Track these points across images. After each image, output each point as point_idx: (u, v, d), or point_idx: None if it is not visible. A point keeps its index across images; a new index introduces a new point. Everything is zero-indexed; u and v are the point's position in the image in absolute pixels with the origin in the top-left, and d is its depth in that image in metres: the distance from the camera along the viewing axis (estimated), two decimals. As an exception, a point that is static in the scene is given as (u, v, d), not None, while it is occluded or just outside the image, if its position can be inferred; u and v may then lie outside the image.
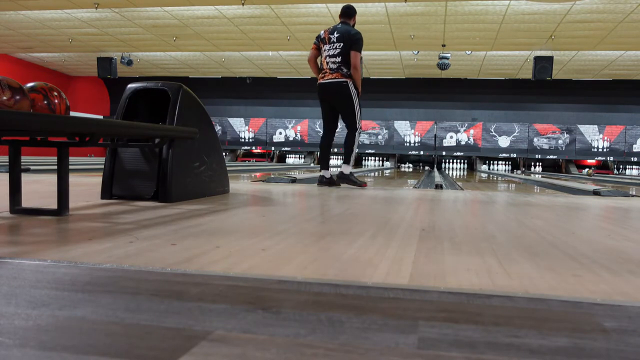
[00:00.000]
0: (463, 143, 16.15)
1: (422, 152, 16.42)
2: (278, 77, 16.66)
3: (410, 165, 16.88)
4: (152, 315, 0.83)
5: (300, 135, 16.92)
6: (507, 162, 16.45)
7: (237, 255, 1.33)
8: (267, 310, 0.87)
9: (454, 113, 16.33)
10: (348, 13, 4.34)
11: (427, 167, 16.12)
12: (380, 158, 16.86)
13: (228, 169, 3.38)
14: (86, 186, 3.38)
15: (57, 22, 11.13)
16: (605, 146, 15.49)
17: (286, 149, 17.20)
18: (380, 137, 16.52)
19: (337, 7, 9.32)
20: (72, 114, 2.18)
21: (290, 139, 17.04)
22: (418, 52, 12.72)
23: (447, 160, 16.80)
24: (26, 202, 2.09)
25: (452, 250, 1.48)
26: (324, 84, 4.28)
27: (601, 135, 15.50)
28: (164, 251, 1.35)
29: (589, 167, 15.30)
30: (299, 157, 17.26)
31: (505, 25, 10.09)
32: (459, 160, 16.75)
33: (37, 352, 0.67)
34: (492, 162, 16.55)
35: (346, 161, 4.30)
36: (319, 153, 4.50)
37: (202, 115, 2.98)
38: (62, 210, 1.96)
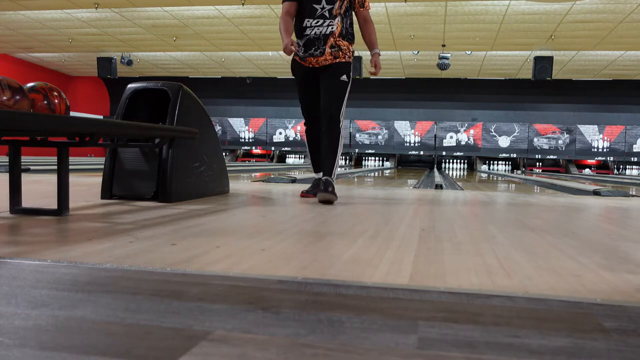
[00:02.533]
0: (463, 143, 16.14)
1: (422, 152, 16.42)
2: (278, 77, 16.66)
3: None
4: (152, 315, 0.83)
5: (300, 136, 16.91)
6: (507, 162, 16.45)
7: (237, 255, 1.33)
8: (267, 310, 0.87)
9: (454, 113, 16.32)
10: None
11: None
12: (380, 158, 16.86)
13: (228, 169, 3.38)
14: (86, 186, 3.38)
15: (57, 22, 11.13)
16: (605, 146, 15.49)
17: (286, 149, 17.20)
18: (380, 137, 16.52)
19: (337, 7, 9.30)
20: (72, 114, 2.18)
21: (290, 139, 17.05)
22: (418, 52, 12.72)
23: (447, 160, 16.80)
24: (26, 202, 2.09)
25: (452, 250, 1.48)
26: None
27: (601, 135, 15.50)
28: (164, 251, 1.35)
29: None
30: (299, 157, 17.25)
31: (505, 25, 10.09)
32: (459, 160, 16.75)
33: (37, 352, 0.67)
34: (492, 162, 16.54)
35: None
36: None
37: (202, 115, 2.98)
38: (62, 210, 1.96)
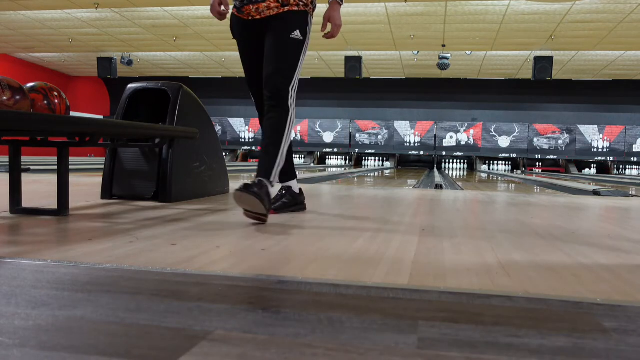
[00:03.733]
0: (463, 143, 16.14)
1: (422, 152, 16.42)
2: (278, 77, 16.65)
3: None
4: (152, 315, 0.83)
5: (300, 136, 16.92)
6: (507, 162, 16.45)
7: (237, 255, 1.33)
8: (267, 310, 0.87)
9: (454, 113, 16.33)
10: None
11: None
12: (380, 158, 16.86)
13: (228, 169, 3.38)
14: (86, 186, 3.38)
15: (57, 22, 11.12)
16: (605, 146, 15.49)
17: (286, 149, 17.18)
18: (380, 137, 16.52)
19: (337, 7, 9.30)
20: (72, 114, 2.18)
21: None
22: (418, 52, 12.72)
23: (447, 160, 16.80)
24: (26, 202, 2.09)
25: (452, 250, 1.48)
26: None
27: (601, 135, 15.50)
28: (164, 251, 1.35)
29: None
30: (299, 157, 17.26)
31: (505, 25, 10.09)
32: (459, 160, 16.75)
33: (37, 352, 0.67)
34: (492, 162, 16.55)
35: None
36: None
37: (202, 115, 2.98)
38: (62, 210, 1.96)
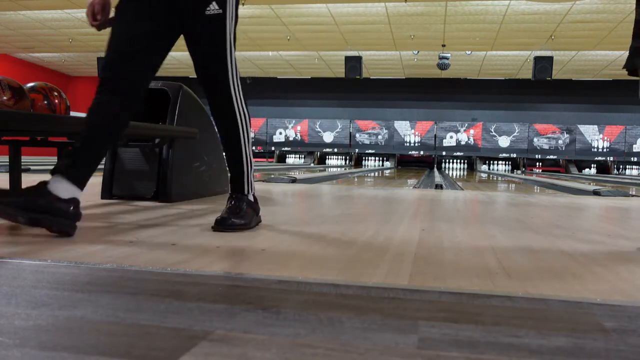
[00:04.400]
0: (463, 143, 16.14)
1: (422, 152, 16.42)
2: (278, 77, 16.66)
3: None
4: (152, 315, 0.83)
5: (300, 136, 16.92)
6: (507, 162, 16.45)
7: (237, 255, 1.33)
8: (267, 310, 0.87)
9: (454, 113, 16.32)
10: None
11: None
12: (380, 158, 16.86)
13: (228, 169, 3.38)
14: (86, 186, 3.38)
15: (57, 22, 11.12)
16: (605, 146, 15.49)
17: (286, 149, 17.20)
18: (380, 137, 16.52)
19: (337, 7, 9.31)
20: (72, 114, 2.18)
21: (290, 139, 17.04)
22: (418, 52, 12.72)
23: (447, 160, 16.79)
24: (26, 202, 2.09)
25: (452, 250, 1.48)
26: None
27: (601, 135, 15.50)
28: (164, 251, 1.35)
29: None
30: (299, 157, 17.26)
31: (505, 25, 10.09)
32: (459, 160, 16.74)
33: (37, 352, 0.67)
34: (492, 162, 16.54)
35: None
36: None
37: (202, 115, 2.98)
38: (62, 210, 1.96)
